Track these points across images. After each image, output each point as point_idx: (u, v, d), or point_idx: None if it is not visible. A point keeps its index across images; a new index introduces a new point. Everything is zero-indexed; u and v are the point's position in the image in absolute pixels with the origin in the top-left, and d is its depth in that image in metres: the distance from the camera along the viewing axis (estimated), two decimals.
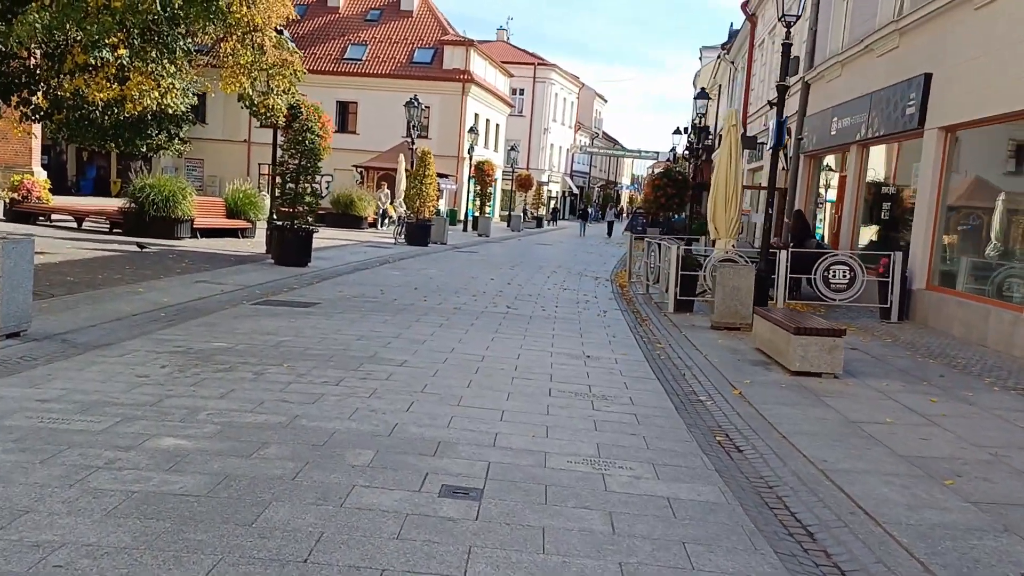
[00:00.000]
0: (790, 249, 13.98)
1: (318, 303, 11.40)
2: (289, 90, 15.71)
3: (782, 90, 11.85)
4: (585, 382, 7.37)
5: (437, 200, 28.67)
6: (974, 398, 7.30)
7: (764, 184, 23.98)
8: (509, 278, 17.46)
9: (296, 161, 16.55)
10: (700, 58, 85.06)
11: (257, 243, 20.58)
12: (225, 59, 15.00)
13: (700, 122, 23.08)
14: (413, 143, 28.02)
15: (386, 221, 34.35)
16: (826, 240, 17.87)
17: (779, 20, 11.97)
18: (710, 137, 45.18)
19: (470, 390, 6.67)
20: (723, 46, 39.24)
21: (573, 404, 6.45)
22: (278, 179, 16.96)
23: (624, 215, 72.00)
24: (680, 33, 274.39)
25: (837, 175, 17.64)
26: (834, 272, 12.66)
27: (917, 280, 12.52)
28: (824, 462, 5.20)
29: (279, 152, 17.17)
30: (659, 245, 15.24)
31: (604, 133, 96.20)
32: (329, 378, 6.75)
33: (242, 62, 14.78)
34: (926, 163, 12.53)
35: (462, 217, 43.29)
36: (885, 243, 14.86)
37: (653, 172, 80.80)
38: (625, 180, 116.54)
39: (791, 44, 12.12)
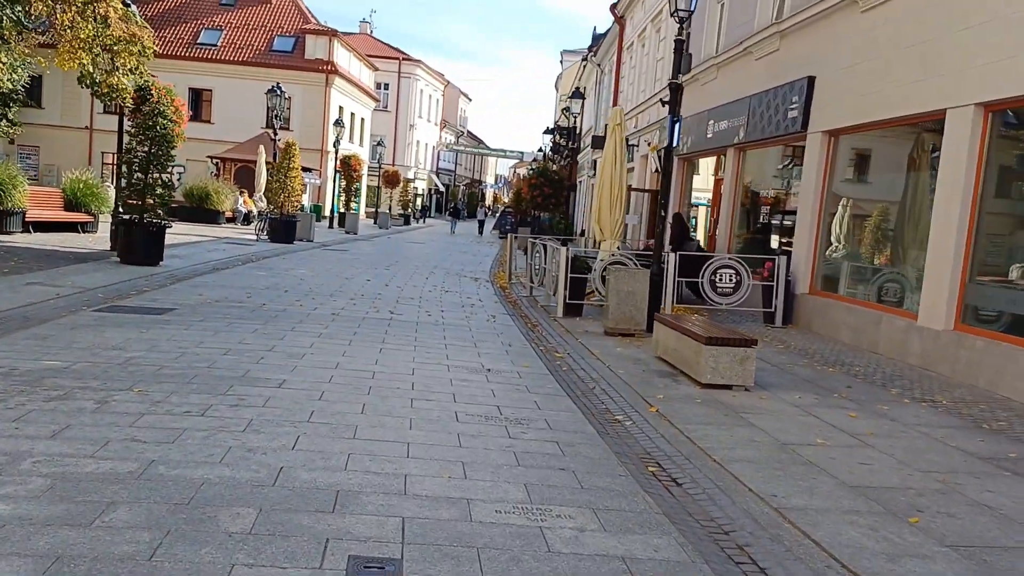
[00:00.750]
0: (677, 253, 13.73)
1: (174, 309, 10.06)
2: (137, 69, 14.03)
3: (675, 89, 11.50)
4: (492, 401, 6.59)
5: (301, 195, 27.10)
6: (892, 412, 7.05)
7: (637, 186, 24.08)
8: (386, 279, 16.44)
9: (146, 148, 14.88)
10: (561, 61, 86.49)
11: (100, 239, 18.56)
12: (63, 32, 13.17)
13: (573, 122, 22.80)
14: (276, 134, 26.35)
15: (248, 217, 32.32)
16: (702, 244, 17.90)
17: (672, 15, 11.62)
18: (576, 138, 45.70)
19: (365, 417, 5.75)
20: (590, 49, 39.48)
21: (486, 432, 5.66)
22: (125, 168, 15.22)
23: (492, 214, 71.76)
24: (535, 38, 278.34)
25: (712, 178, 17.72)
26: (721, 276, 12.48)
27: (800, 284, 12.53)
28: (774, 497, 4.66)
29: (126, 139, 15.41)
30: (543, 246, 14.69)
31: (469, 132, 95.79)
32: (192, 406, 5.66)
33: (82, 36, 13.03)
34: (809, 166, 12.56)
35: (327, 213, 41.57)
36: (763, 247, 14.94)
37: (516, 172, 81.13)
38: (489, 179, 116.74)
39: (684, 40, 11.82)
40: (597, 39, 46.28)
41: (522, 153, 78.96)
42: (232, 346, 7.93)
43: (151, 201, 14.83)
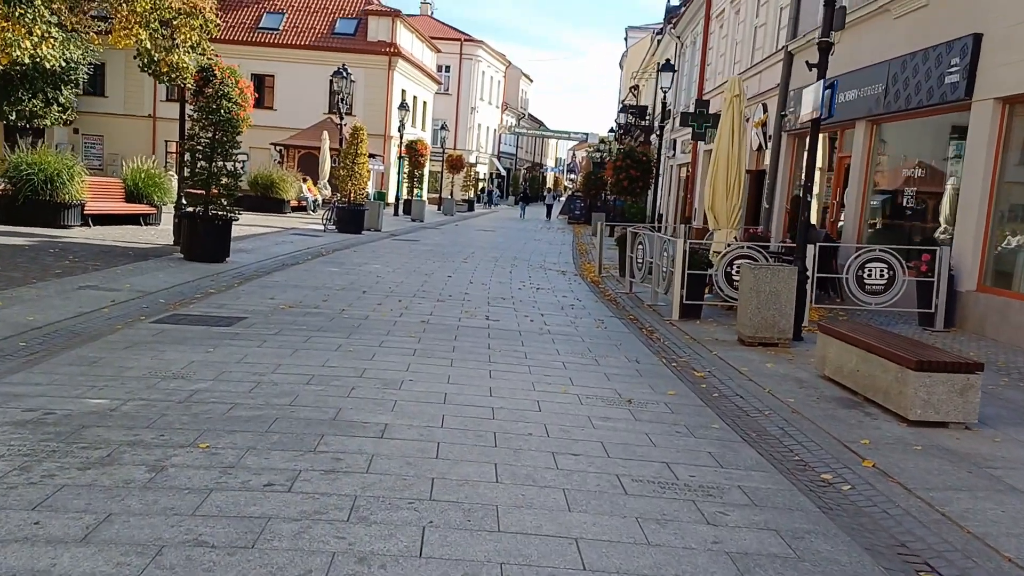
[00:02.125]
0: (816, 244, 11.93)
1: (244, 318, 8.71)
2: (199, 46, 12.74)
3: (826, 48, 9.67)
4: (655, 455, 5.01)
5: (367, 182, 25.82)
6: None
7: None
8: (468, 274, 14.97)
9: (209, 134, 13.65)
10: (626, 39, 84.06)
11: (163, 232, 17.51)
12: (117, 6, 11.93)
13: (664, 97, 20.98)
14: (342, 118, 25.09)
15: (314, 205, 31.31)
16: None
17: None
18: (648, 117, 43.51)
19: (504, 489, 4.22)
20: (668, 20, 37.30)
21: (672, 513, 4.08)
22: (188, 156, 14.03)
23: (557, 198, 69.99)
24: (591, 20, 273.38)
25: (834, 156, 15.73)
26: (870, 271, 10.64)
27: (966, 280, 10.61)
28: None
29: (188, 124, 14.21)
30: (646, 238, 13.01)
31: (530, 114, 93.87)
32: (275, 472, 4.21)
33: (138, 8, 11.77)
34: (976, 140, 10.60)
35: (391, 200, 40.45)
36: (903, 236, 13.02)
37: (586, 154, 79.04)
38: (550, 162, 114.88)
39: None
40: (672, 12, 44.00)
41: (586, 135, 76.87)
42: (315, 371, 6.49)
43: (216, 192, 13.62)
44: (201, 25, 12.41)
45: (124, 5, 12.00)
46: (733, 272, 10.81)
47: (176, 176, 16.30)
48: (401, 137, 36.84)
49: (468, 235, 27.37)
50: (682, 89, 32.45)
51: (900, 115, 12.78)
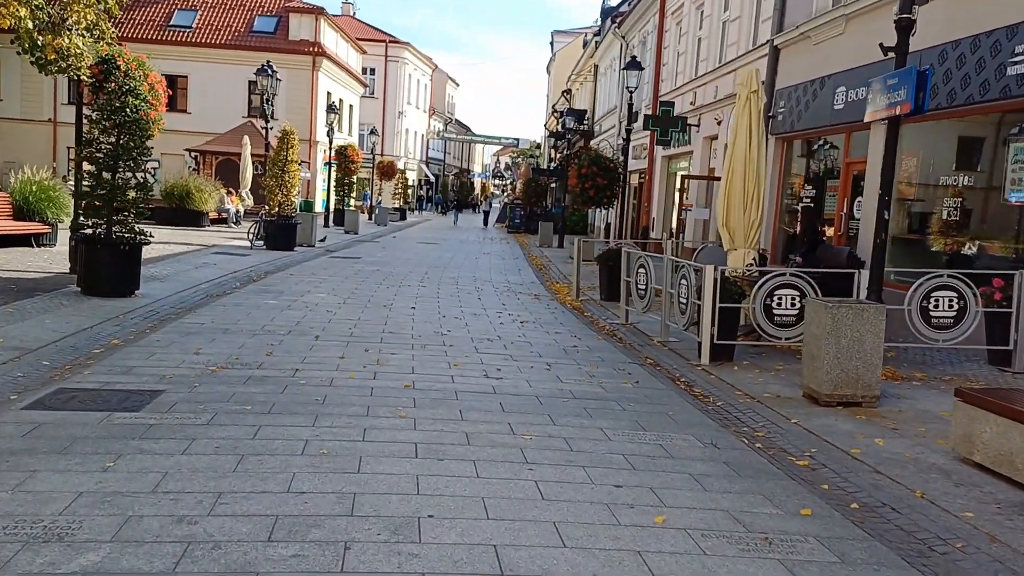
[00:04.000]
0: (851, 263, 10.13)
1: (160, 392, 6.28)
2: (96, 27, 10.13)
3: (906, 28, 7.83)
4: None
5: (297, 191, 23.16)
6: None
7: (698, 173, 20.40)
8: (433, 303, 12.69)
9: (112, 139, 11.04)
10: (552, 43, 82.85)
11: (58, 256, 14.68)
12: None
13: (631, 98, 19.11)
14: (267, 121, 22.41)
15: (236, 218, 28.45)
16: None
17: None
18: (587, 120, 41.90)
19: None
20: (610, 20, 35.67)
21: None
22: (86, 166, 11.38)
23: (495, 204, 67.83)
24: (511, 25, 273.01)
25: (843, 162, 14.04)
26: (937, 301, 8.86)
27: None
28: None
29: (86, 127, 11.53)
30: (649, 260, 11.02)
31: (456, 119, 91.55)
32: None
33: None
34: None
35: (318, 210, 37.66)
36: (933, 257, 11.39)
37: (525, 160, 77.06)
38: (476, 167, 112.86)
39: None
40: (609, 12, 42.49)
41: (516, 140, 75.12)
42: (277, 506, 4.16)
43: (121, 207, 11.02)
44: (99, 0, 9.81)
45: None
46: (773, 304, 8.89)
47: (75, 190, 13.49)
48: (330, 142, 34.16)
49: (411, 249, 24.99)
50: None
51: (936, 114, 11.11)
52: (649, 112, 22.40)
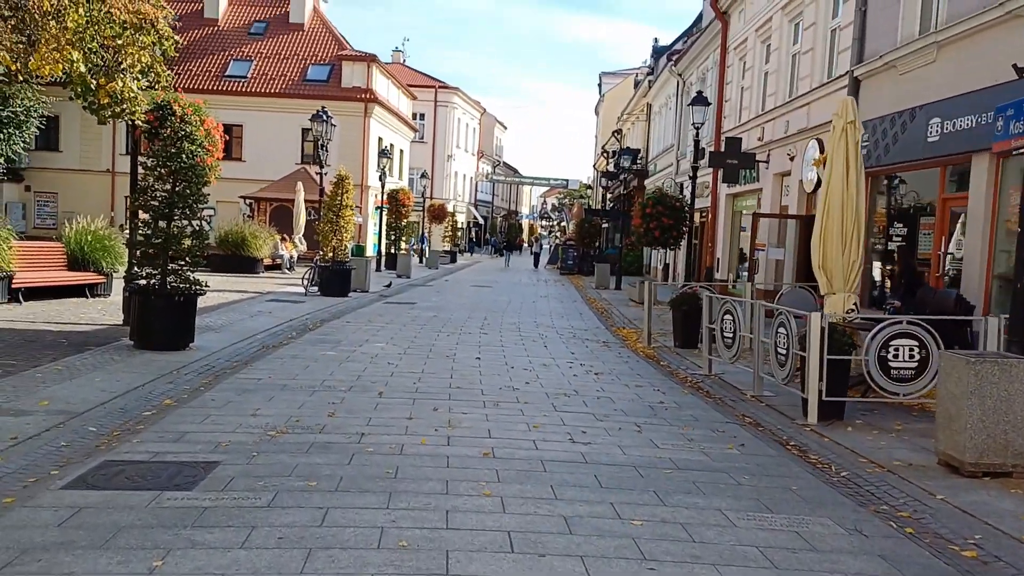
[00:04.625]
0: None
1: (215, 463, 5.60)
2: (150, 70, 9.75)
3: None
4: None
5: (351, 237, 22.73)
6: None
7: (771, 212, 19.45)
8: (497, 352, 11.93)
9: (168, 186, 10.62)
10: (600, 85, 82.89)
11: (113, 306, 14.32)
12: (42, 21, 8.92)
13: (697, 135, 18.35)
14: (322, 167, 22.16)
15: (290, 264, 28.24)
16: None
17: None
18: (639, 160, 41.19)
19: None
20: (667, 58, 35.12)
21: None
22: (141, 214, 10.98)
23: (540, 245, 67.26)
24: (552, 70, 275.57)
25: (939, 198, 13.00)
26: None
27: None
28: None
29: (140, 174, 11.14)
30: (736, 305, 10.14)
31: (504, 162, 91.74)
32: None
33: (70, 24, 8.77)
34: None
35: (370, 254, 37.45)
36: None
37: (577, 200, 76.56)
38: (524, 209, 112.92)
39: None
40: (661, 51, 42.06)
41: (566, 180, 74.82)
42: None
43: (176, 257, 10.56)
44: (154, 43, 9.43)
45: (52, 21, 8.95)
46: (889, 356, 7.94)
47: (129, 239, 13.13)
48: (382, 186, 33.99)
49: (466, 293, 24.36)
50: (688, 129, 30.07)
51: None
52: (711, 149, 21.56)
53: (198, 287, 10.70)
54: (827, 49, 17.18)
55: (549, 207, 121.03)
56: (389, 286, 24.73)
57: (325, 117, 22.34)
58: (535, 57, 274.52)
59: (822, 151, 16.37)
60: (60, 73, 8.92)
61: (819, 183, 16.54)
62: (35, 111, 36.08)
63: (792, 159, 18.29)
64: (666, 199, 19.19)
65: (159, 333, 10.35)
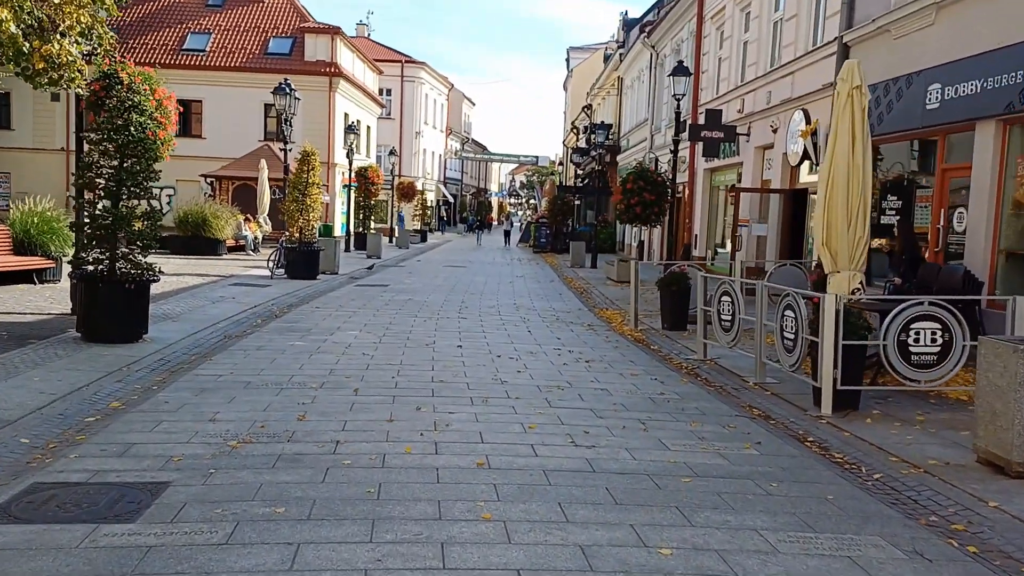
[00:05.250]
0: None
1: (164, 485, 4.79)
2: (91, 32, 8.75)
3: None
4: None
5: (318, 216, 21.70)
6: None
7: (750, 185, 18.85)
8: (479, 339, 11.16)
9: (115, 162, 9.66)
10: (567, 60, 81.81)
11: (61, 293, 13.31)
12: None
13: (678, 106, 17.57)
14: (286, 143, 21.11)
15: (255, 245, 27.15)
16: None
17: None
18: (612, 135, 40.35)
19: None
20: (639, 30, 34.29)
21: None
22: (85, 193, 10.01)
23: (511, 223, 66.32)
24: (513, 46, 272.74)
25: (938, 168, 12.40)
26: None
27: None
28: None
29: (86, 150, 10.14)
30: (733, 287, 9.48)
31: (473, 139, 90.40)
32: None
33: None
34: None
35: (337, 233, 36.37)
36: None
37: (550, 178, 75.56)
38: (493, 187, 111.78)
39: None
40: (632, 24, 41.17)
41: (536, 157, 73.89)
42: None
43: (125, 240, 9.63)
44: (94, 0, 8.42)
45: None
46: (909, 341, 7.32)
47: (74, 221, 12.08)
48: (350, 163, 32.90)
49: (440, 274, 23.52)
50: (663, 103, 29.35)
51: None
52: (689, 122, 20.83)
53: (151, 273, 9.78)
54: (812, 15, 16.51)
55: (518, 184, 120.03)
56: (371, 268, 23.85)
57: (288, 90, 21.24)
58: (500, 35, 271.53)
59: (808, 122, 15.77)
60: None
61: (804, 155, 15.94)
62: None
63: (775, 131, 17.65)
64: (647, 174, 18.47)
65: (108, 324, 9.44)
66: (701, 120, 20.24)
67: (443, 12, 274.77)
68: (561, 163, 69.31)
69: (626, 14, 45.44)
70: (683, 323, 12.59)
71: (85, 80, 8.76)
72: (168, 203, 38.19)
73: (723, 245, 21.97)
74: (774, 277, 12.49)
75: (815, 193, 15.97)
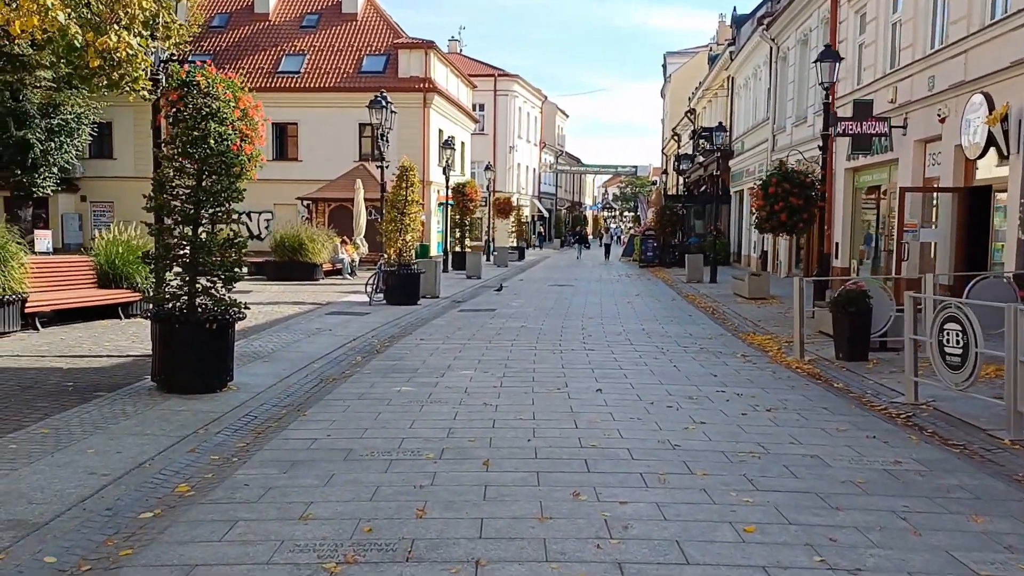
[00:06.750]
0: None
1: None
2: (155, 22, 7.31)
3: None
4: None
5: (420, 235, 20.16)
6: None
7: (913, 184, 16.30)
8: (621, 381, 9.18)
9: (192, 179, 8.23)
10: (664, 66, 79.22)
11: (147, 328, 12.04)
12: None
13: (826, 96, 15.29)
14: (383, 158, 19.79)
15: (351, 268, 26.01)
16: None
17: None
18: (724, 137, 37.22)
19: None
20: (759, 21, 31.79)
21: None
22: (157, 215, 8.63)
23: (612, 236, 64.12)
24: (602, 59, 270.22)
25: None
26: None
27: None
28: None
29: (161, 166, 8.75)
30: (963, 310, 7.26)
31: (567, 152, 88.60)
32: None
33: None
34: None
35: (434, 253, 35.12)
36: None
37: (655, 187, 73.11)
38: (587, 200, 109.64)
39: None
40: (742, 20, 38.60)
41: (635, 167, 71.56)
42: None
43: (208, 270, 8.17)
44: None
45: None
46: None
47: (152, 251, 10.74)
48: (446, 179, 31.57)
49: (547, 294, 21.68)
50: (787, 99, 26.82)
51: None
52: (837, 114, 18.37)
53: (235, 310, 8.28)
54: None
55: (611, 197, 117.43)
56: (500, 289, 22.25)
57: (384, 103, 19.98)
58: (588, 46, 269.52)
59: (991, 107, 13.21)
60: (38, 29, 6.51)
61: (989, 145, 13.37)
62: (86, 118, 34.82)
63: (943, 120, 15.08)
64: (793, 175, 16.16)
65: (187, 372, 7.96)
66: (845, 113, 17.77)
67: (530, 27, 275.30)
68: (665, 171, 66.64)
69: (735, 11, 42.84)
70: (864, 352, 10.37)
71: (149, 80, 7.32)
72: (266, 228, 37.97)
73: (873, 256, 19.36)
74: (978, 292, 10.16)
75: (1003, 191, 13.58)
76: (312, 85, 38.57)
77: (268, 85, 37.90)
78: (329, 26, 41.41)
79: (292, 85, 38.57)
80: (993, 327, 7.31)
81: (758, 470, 5.64)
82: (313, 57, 39.79)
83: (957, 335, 7.24)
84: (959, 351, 7.24)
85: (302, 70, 39.38)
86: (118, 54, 6.75)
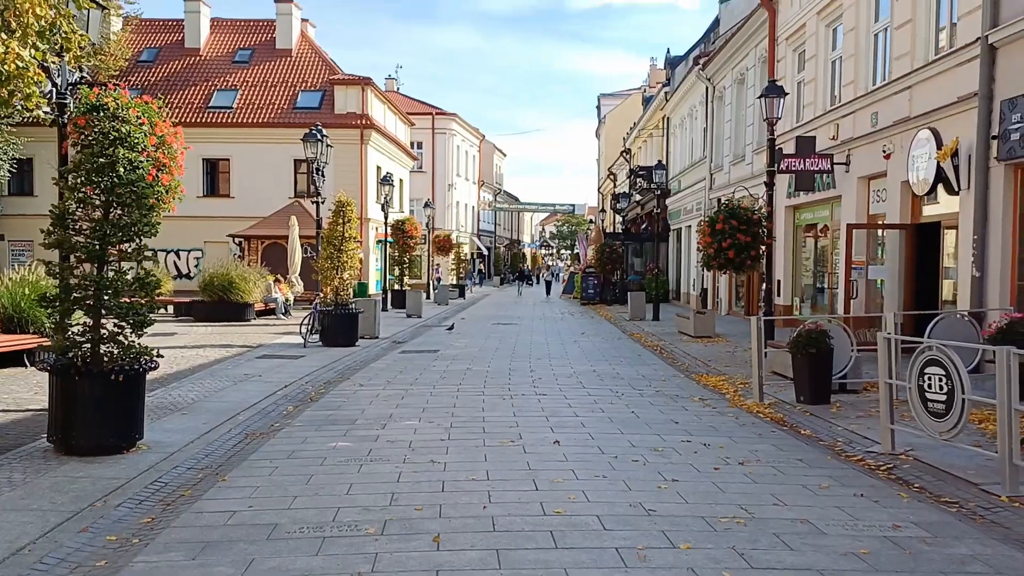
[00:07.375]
0: None
1: None
2: (53, 30, 6.40)
3: None
4: None
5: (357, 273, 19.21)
6: None
7: (858, 221, 16.17)
8: (580, 432, 8.45)
9: (99, 210, 7.31)
10: (598, 107, 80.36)
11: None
12: None
13: (771, 131, 15.02)
14: (319, 193, 18.89)
15: (285, 308, 24.86)
16: None
17: None
18: (662, 175, 37.42)
19: None
20: (695, 60, 32.03)
21: None
22: (61, 251, 7.66)
23: (552, 274, 63.83)
24: (539, 101, 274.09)
25: None
26: None
27: None
28: None
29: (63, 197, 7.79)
30: (947, 354, 6.77)
31: (504, 190, 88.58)
32: None
33: None
34: None
35: (373, 291, 34.11)
36: None
37: (595, 223, 73.22)
38: (526, 237, 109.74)
39: None
40: (676, 62, 39.01)
41: (572, 205, 71.72)
42: None
43: (111, 315, 7.22)
44: None
45: None
46: None
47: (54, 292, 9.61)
48: (385, 216, 30.75)
49: (492, 333, 20.93)
50: (724, 138, 26.85)
51: None
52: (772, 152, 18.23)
53: (147, 359, 7.32)
54: (932, 19, 14.00)
55: (548, 235, 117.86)
56: (451, 328, 21.54)
57: (319, 136, 19.14)
58: (526, 90, 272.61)
59: (939, 143, 13.11)
60: None
61: (937, 181, 13.26)
62: (5, 153, 33.03)
63: (888, 157, 15.00)
64: (740, 212, 15.85)
65: (88, 431, 6.96)
66: (788, 150, 17.64)
67: (470, 70, 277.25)
68: (603, 209, 66.93)
69: (668, 52, 43.34)
70: (826, 395, 9.91)
71: (43, 97, 6.42)
72: (196, 266, 36.44)
73: (816, 293, 19.20)
74: (937, 333, 9.80)
75: (953, 227, 13.45)
76: (245, 120, 37.44)
77: (199, 120, 36.68)
78: (263, 61, 40.44)
79: (224, 120, 37.36)
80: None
81: (747, 541, 4.96)
82: (246, 92, 38.72)
83: (940, 380, 6.74)
84: (942, 397, 6.73)
85: (235, 105, 38.25)
86: (6, 67, 5.84)
